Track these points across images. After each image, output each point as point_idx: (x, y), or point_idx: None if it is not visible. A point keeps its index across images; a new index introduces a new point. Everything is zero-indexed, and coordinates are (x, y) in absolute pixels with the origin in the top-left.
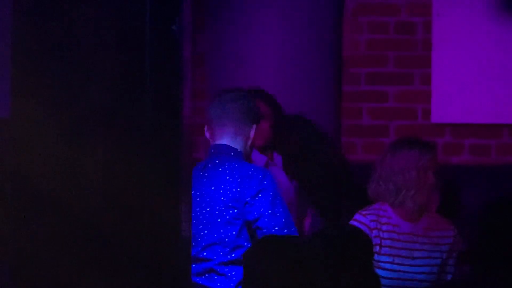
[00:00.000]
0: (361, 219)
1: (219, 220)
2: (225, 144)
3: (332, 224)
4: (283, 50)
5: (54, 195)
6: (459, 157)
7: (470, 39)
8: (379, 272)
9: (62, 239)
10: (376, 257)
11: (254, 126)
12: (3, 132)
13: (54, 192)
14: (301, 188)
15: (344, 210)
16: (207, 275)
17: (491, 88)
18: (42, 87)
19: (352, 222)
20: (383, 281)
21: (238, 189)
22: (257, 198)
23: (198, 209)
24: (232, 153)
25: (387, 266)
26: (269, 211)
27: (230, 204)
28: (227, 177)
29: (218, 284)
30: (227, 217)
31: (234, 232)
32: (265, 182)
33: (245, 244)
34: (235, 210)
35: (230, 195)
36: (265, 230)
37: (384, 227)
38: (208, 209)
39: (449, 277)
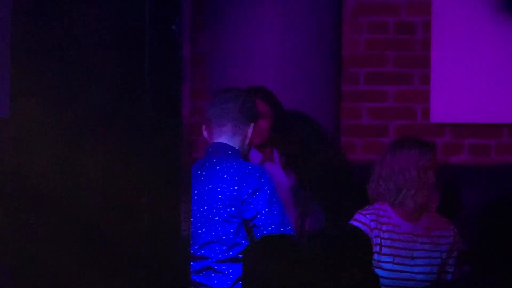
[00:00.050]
0: (361, 219)
1: (216, 218)
2: (222, 143)
3: (332, 224)
4: (283, 50)
5: (54, 194)
6: (458, 157)
7: (469, 39)
8: (379, 272)
9: (61, 238)
10: (376, 257)
11: (252, 125)
12: (3, 131)
13: (54, 192)
14: (302, 186)
15: (344, 210)
16: (204, 272)
17: (491, 87)
18: (42, 87)
19: (352, 222)
20: (384, 281)
21: (236, 187)
22: (254, 196)
23: (195, 207)
24: (229, 152)
25: (388, 266)
26: (266, 209)
27: (227, 202)
28: (225, 175)
29: (216, 282)
30: (225, 215)
31: (231, 230)
32: (262, 181)
33: (243, 242)
34: (233, 208)
35: (227, 193)
36: (261, 228)
37: (384, 227)
38: (205, 207)
39: (449, 277)
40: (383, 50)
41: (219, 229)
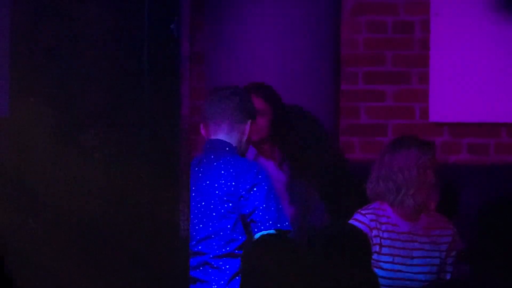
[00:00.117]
0: (361, 219)
1: (214, 214)
2: (220, 140)
3: (331, 223)
4: (282, 49)
5: (53, 193)
6: (457, 156)
7: (468, 38)
8: (379, 272)
9: (61, 237)
10: (376, 256)
11: (249, 122)
12: (3, 131)
13: (53, 191)
14: (302, 184)
15: (343, 210)
16: (201, 268)
17: (489, 87)
18: (41, 87)
19: (352, 222)
20: (383, 281)
21: (233, 183)
22: (251, 192)
23: (193, 203)
24: (227, 148)
25: (387, 266)
26: (264, 205)
27: (225, 198)
28: (222, 172)
29: (213, 277)
30: (222, 211)
31: (228, 226)
32: (260, 176)
33: (240, 237)
34: (230, 204)
35: (225, 189)
36: (259, 223)
37: (384, 227)
38: (203, 203)
39: (448, 276)
40: (382, 49)
41: (216, 224)
